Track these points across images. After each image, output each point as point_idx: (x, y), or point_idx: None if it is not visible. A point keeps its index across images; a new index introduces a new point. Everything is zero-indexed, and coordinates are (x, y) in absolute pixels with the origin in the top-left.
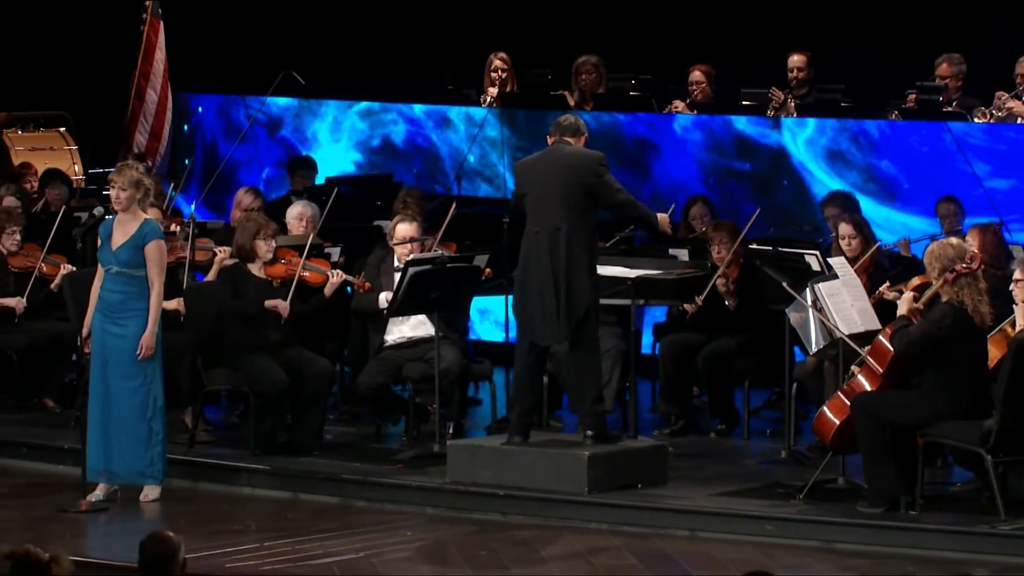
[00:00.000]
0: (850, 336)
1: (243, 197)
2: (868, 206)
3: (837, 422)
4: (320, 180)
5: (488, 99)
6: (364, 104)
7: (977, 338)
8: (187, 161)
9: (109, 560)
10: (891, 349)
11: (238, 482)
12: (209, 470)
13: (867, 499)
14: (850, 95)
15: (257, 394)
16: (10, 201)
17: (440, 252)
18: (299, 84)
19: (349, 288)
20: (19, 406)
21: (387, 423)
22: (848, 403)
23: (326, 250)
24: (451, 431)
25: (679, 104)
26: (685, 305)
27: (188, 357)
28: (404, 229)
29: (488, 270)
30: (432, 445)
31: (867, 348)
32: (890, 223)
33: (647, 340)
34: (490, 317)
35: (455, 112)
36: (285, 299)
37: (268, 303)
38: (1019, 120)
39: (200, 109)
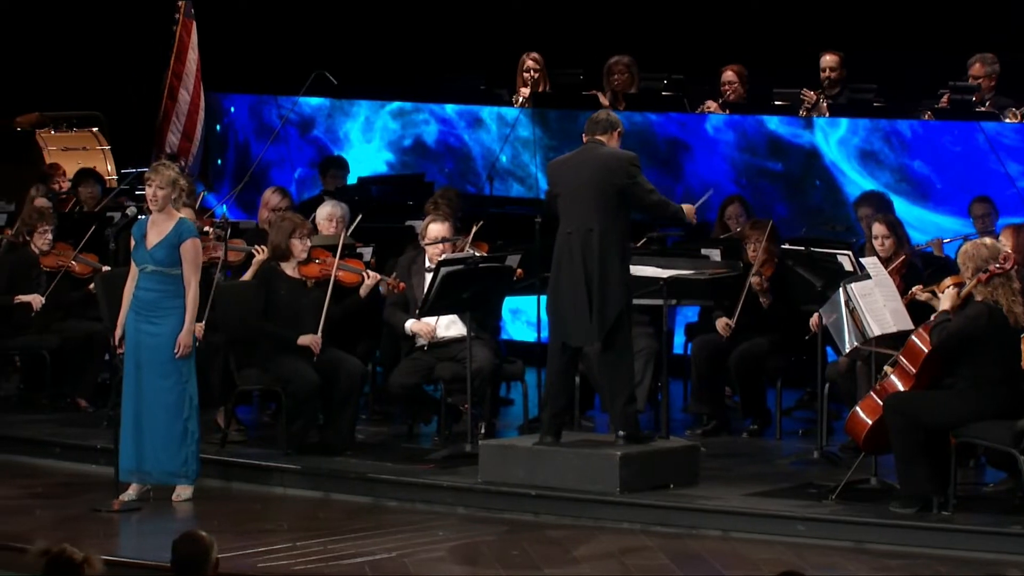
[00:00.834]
0: (883, 336)
1: (270, 197)
2: (901, 206)
3: (870, 422)
4: (352, 180)
5: (520, 99)
6: (396, 104)
7: (1011, 338)
8: (219, 161)
9: (141, 560)
10: (924, 350)
11: (270, 482)
12: (241, 470)
13: (900, 499)
14: (882, 95)
15: (289, 394)
16: (41, 201)
17: (472, 252)
18: (331, 84)
19: (380, 289)
20: (52, 406)
21: (419, 423)
22: (881, 403)
23: (358, 250)
24: (483, 431)
25: (711, 104)
26: (718, 326)
27: (220, 357)
28: (436, 229)
29: (520, 270)
30: (464, 445)
31: (900, 348)
32: (923, 223)
33: (679, 340)
34: (522, 317)
35: (487, 112)
36: (322, 300)
37: (301, 340)
38: None
39: (232, 109)
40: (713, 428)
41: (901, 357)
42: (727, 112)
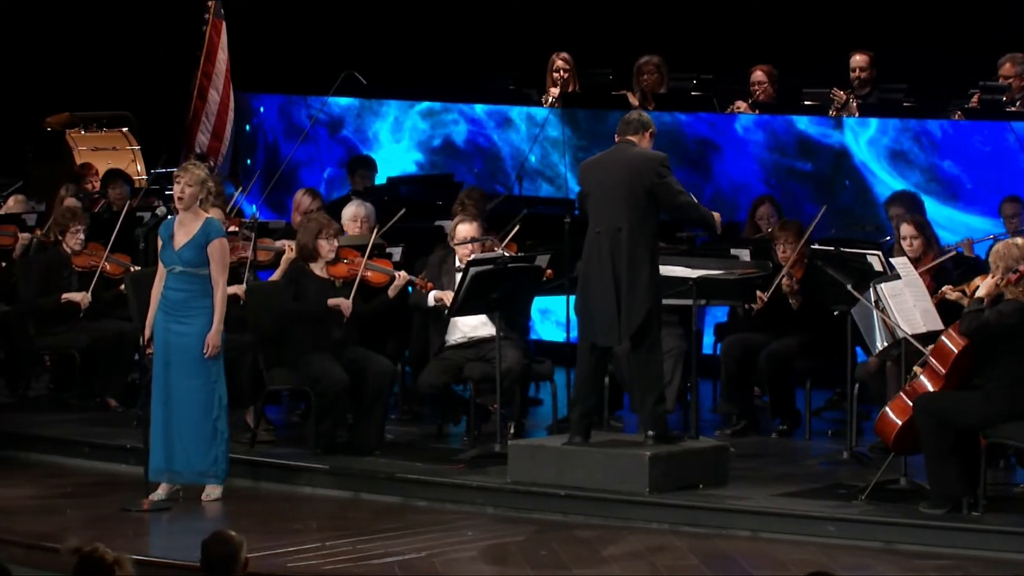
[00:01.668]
0: (913, 337)
1: (302, 199)
2: (931, 206)
3: (900, 423)
4: (381, 180)
5: (550, 99)
6: (425, 104)
7: None
8: (248, 161)
9: (171, 559)
10: (954, 350)
11: (299, 482)
12: (270, 470)
13: (929, 500)
14: (912, 95)
15: (318, 394)
16: (72, 201)
17: (501, 252)
18: (360, 84)
19: (411, 288)
20: (82, 405)
21: (448, 423)
22: (910, 404)
23: (387, 250)
24: (512, 431)
25: (741, 104)
26: (749, 303)
27: (249, 357)
28: (465, 229)
29: (549, 270)
30: (493, 445)
31: (929, 348)
32: (953, 223)
33: (708, 340)
34: (551, 317)
35: (516, 112)
36: (347, 299)
37: (331, 301)
38: None
39: (262, 109)
40: (742, 428)
41: (931, 357)
42: (757, 112)
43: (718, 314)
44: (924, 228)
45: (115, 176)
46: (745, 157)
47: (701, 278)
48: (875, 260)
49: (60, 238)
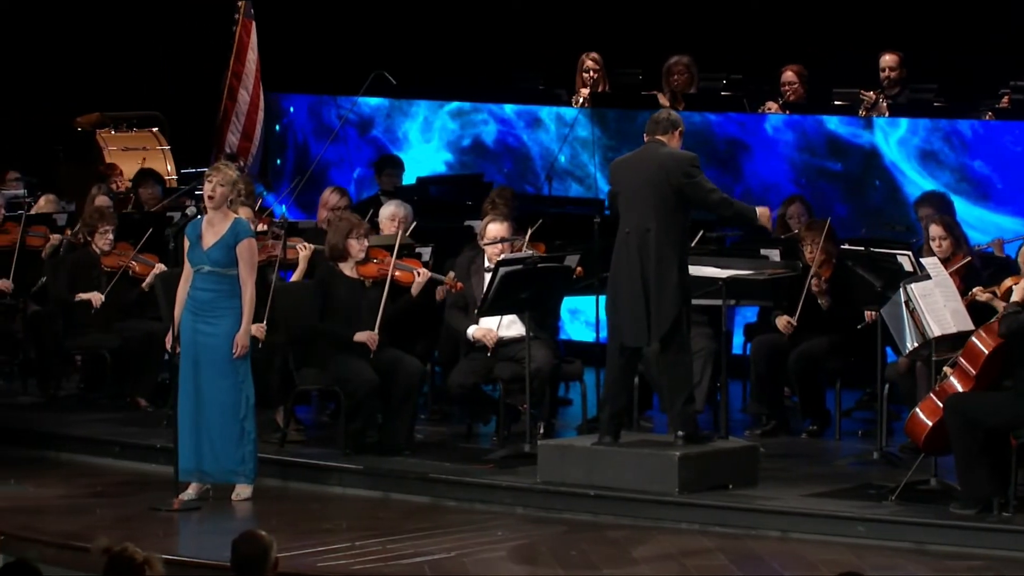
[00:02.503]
0: (943, 337)
1: (329, 197)
2: (961, 206)
3: (930, 424)
4: (411, 180)
5: (579, 99)
6: (455, 104)
7: None
8: (278, 161)
9: (201, 559)
10: (984, 351)
11: (329, 481)
12: (300, 469)
13: (960, 501)
14: (943, 95)
15: (348, 394)
16: (103, 200)
17: (531, 252)
18: (390, 84)
19: (440, 284)
20: (112, 405)
21: (478, 423)
22: (941, 405)
23: (417, 250)
24: (542, 431)
25: (771, 104)
26: (779, 324)
27: (279, 357)
28: (495, 229)
29: (579, 270)
30: (523, 445)
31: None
32: (983, 223)
33: (738, 340)
34: (581, 317)
35: (546, 112)
36: (379, 300)
37: (357, 336)
38: None
39: (292, 109)
40: (772, 429)
41: (961, 358)
42: (787, 112)
43: (748, 314)
44: (953, 229)
45: (146, 176)
46: (775, 157)
47: (731, 278)
48: (905, 260)
49: (89, 238)
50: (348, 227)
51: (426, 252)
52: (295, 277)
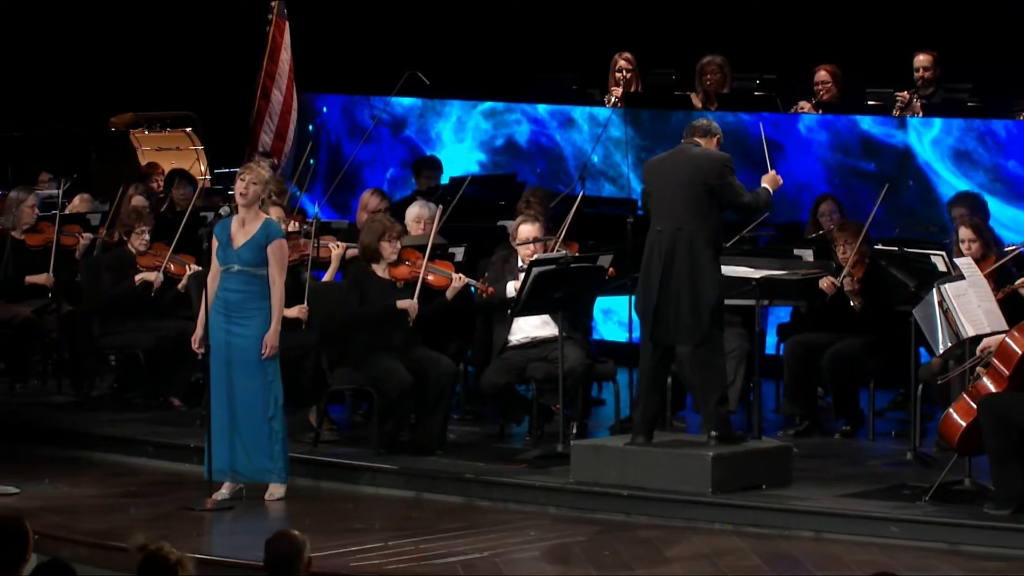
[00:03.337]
0: (977, 337)
1: (369, 199)
2: (995, 206)
3: (964, 424)
4: (444, 180)
5: (612, 99)
6: (488, 104)
7: None
8: (311, 161)
9: (234, 559)
10: (1018, 351)
11: (362, 481)
12: (333, 469)
13: (994, 501)
14: (977, 95)
15: (381, 394)
16: (139, 201)
17: (564, 252)
18: (423, 84)
19: (473, 289)
20: (146, 405)
21: (511, 423)
22: (974, 405)
23: (450, 250)
24: (575, 431)
25: (805, 104)
26: (823, 286)
27: (312, 356)
28: (527, 229)
29: (612, 270)
30: (556, 445)
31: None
32: (1017, 223)
33: (771, 340)
34: (614, 317)
35: (579, 112)
36: (413, 299)
37: (400, 303)
38: None
39: (325, 109)
40: (805, 429)
41: (994, 359)
42: (820, 112)
43: (781, 314)
44: (982, 231)
45: (179, 176)
46: (808, 157)
47: (764, 278)
48: (939, 260)
49: (125, 238)
50: (381, 229)
51: (459, 252)
52: (327, 276)
